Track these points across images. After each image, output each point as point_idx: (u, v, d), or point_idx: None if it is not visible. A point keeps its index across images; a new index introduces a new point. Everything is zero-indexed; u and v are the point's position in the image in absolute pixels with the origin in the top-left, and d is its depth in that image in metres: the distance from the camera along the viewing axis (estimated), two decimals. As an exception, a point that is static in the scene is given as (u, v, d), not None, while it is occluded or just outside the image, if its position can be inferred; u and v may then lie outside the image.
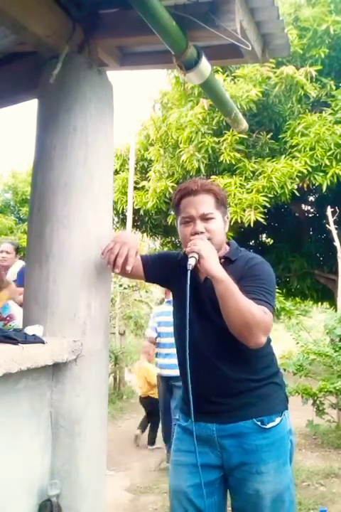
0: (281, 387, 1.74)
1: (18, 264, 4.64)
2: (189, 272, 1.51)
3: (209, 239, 1.62)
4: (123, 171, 9.83)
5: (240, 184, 7.09)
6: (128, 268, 1.64)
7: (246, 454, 1.60)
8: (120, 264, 1.64)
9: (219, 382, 1.63)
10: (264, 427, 1.61)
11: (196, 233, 1.64)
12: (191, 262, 1.52)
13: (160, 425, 4.88)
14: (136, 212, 9.47)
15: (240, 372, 1.63)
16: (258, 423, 1.61)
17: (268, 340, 1.67)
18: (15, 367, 1.37)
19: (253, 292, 1.56)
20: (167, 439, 4.42)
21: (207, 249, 1.55)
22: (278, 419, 1.64)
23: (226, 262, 1.68)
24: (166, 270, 1.84)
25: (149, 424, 5.29)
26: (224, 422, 1.63)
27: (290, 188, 6.90)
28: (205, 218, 1.66)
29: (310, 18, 7.22)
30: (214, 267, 1.51)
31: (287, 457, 1.65)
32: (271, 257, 9.02)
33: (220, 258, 1.62)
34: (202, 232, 1.64)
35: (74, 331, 1.72)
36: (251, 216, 6.83)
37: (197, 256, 1.52)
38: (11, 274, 4.67)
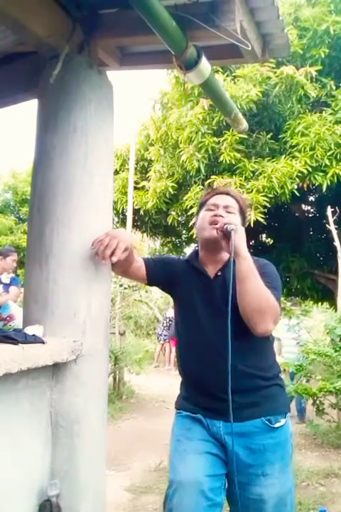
0: (284, 389, 1.76)
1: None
2: (233, 233, 1.57)
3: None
4: (123, 171, 9.81)
5: (240, 184, 7.08)
6: (114, 258, 1.65)
7: (252, 454, 1.60)
8: (107, 256, 1.65)
9: (229, 378, 1.59)
10: (272, 426, 1.62)
11: (216, 215, 1.73)
12: (232, 228, 1.59)
13: None
14: (136, 212, 9.47)
15: (250, 367, 1.63)
16: (267, 422, 1.62)
17: (272, 339, 1.71)
18: (15, 367, 1.38)
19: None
20: None
21: (240, 226, 1.65)
22: (283, 420, 1.65)
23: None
24: (170, 275, 1.85)
25: None
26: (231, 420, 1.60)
27: (290, 188, 6.88)
28: (228, 210, 1.77)
29: (310, 18, 7.20)
30: (244, 244, 1.59)
31: (289, 459, 1.66)
32: (270, 257, 9.00)
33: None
34: (221, 216, 1.72)
35: (74, 331, 1.72)
36: (251, 216, 6.82)
37: (235, 228, 1.59)
38: (5, 278, 4.83)
